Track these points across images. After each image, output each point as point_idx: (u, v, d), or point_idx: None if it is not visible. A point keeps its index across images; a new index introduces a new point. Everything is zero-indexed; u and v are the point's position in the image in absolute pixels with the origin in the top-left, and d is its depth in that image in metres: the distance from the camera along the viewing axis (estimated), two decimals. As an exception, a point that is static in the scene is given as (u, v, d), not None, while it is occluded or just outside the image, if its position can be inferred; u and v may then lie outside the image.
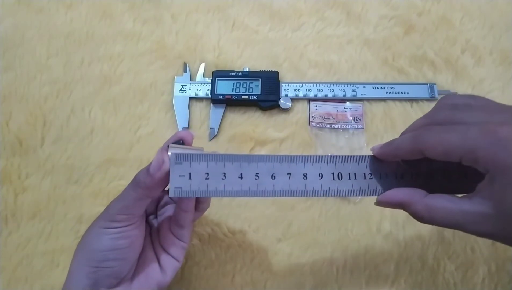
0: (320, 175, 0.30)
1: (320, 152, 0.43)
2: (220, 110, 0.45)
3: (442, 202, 0.25)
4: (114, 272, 0.28)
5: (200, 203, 0.32)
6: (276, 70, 0.46)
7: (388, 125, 0.45)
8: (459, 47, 0.48)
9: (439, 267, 0.39)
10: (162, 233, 0.32)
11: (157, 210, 0.34)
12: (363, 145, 0.44)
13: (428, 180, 0.28)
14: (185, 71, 0.46)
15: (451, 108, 0.26)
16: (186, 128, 0.44)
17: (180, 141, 0.29)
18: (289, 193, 0.29)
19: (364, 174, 0.30)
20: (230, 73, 0.45)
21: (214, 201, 0.42)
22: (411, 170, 0.29)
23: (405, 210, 0.26)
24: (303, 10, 0.50)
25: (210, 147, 0.44)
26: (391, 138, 0.44)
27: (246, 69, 0.45)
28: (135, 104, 0.45)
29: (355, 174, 0.30)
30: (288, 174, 0.29)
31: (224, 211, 0.41)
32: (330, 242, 0.40)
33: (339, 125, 0.45)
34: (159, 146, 0.44)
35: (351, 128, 0.44)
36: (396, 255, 0.40)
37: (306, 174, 0.29)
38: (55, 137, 0.44)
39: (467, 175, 0.27)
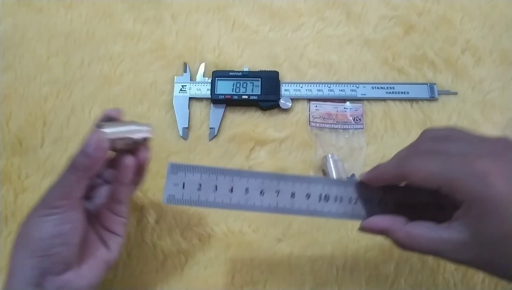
0: (308, 195, 0.31)
1: (320, 152, 0.43)
2: (220, 110, 0.45)
3: (421, 230, 0.26)
4: (62, 258, 0.28)
5: (137, 176, 0.32)
6: (276, 70, 0.46)
7: (388, 125, 0.45)
8: (459, 47, 0.48)
9: (439, 267, 0.39)
10: (101, 213, 0.33)
11: (90, 192, 0.34)
12: (363, 145, 0.44)
13: (410, 207, 0.29)
14: (185, 71, 0.46)
15: (432, 140, 0.27)
16: (186, 128, 0.44)
17: (107, 118, 0.30)
18: (276, 209, 0.30)
19: (350, 198, 0.31)
20: (230, 73, 0.45)
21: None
22: (394, 198, 0.29)
23: (387, 237, 0.28)
24: (303, 10, 0.50)
25: (210, 147, 0.44)
26: (391, 138, 0.45)
27: (246, 69, 0.45)
28: (135, 104, 0.45)
29: (341, 197, 0.31)
30: (276, 191, 0.30)
31: (224, 211, 0.41)
32: (330, 242, 0.40)
33: (339, 125, 0.45)
34: (159, 146, 0.44)
35: (351, 128, 0.44)
36: (396, 255, 0.40)
37: (294, 193, 0.31)
38: (55, 137, 0.44)
39: (446, 204, 0.27)
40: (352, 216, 0.31)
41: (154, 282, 0.39)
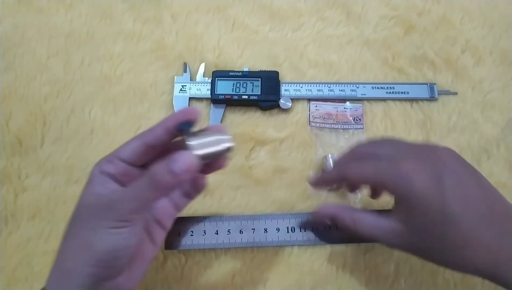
0: (278, 229, 0.39)
1: (320, 152, 0.43)
2: (220, 110, 0.45)
3: (365, 217, 0.31)
4: (121, 266, 0.28)
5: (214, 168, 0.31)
6: (276, 70, 0.46)
7: (388, 125, 0.45)
8: (459, 47, 0.48)
9: (439, 267, 0.39)
10: (161, 208, 0.32)
11: None
12: (363, 145, 0.44)
13: None
14: (185, 71, 0.46)
15: (369, 145, 0.32)
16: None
17: (190, 123, 0.28)
18: (253, 244, 0.38)
19: (312, 227, 0.38)
20: (230, 73, 0.45)
21: (213, 201, 0.42)
22: None
23: (335, 221, 0.33)
24: (303, 10, 0.50)
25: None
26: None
27: (246, 69, 0.45)
28: (135, 104, 0.45)
29: (305, 227, 0.38)
30: (252, 229, 0.38)
31: (224, 211, 0.41)
32: (330, 242, 0.40)
33: (339, 125, 0.45)
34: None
35: (351, 128, 0.44)
36: (396, 255, 0.40)
37: (266, 229, 0.39)
38: (55, 137, 0.44)
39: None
40: (315, 241, 0.38)
41: (154, 282, 0.39)
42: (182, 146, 0.27)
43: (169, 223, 0.33)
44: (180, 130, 0.27)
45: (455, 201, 0.26)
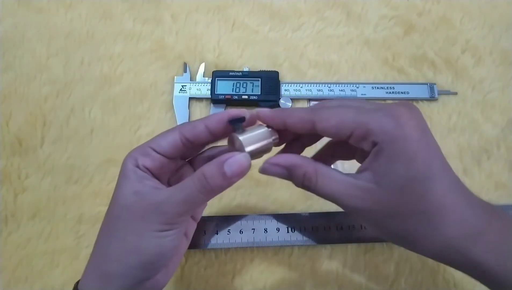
0: (278, 229, 0.39)
1: (320, 152, 0.43)
2: (220, 110, 0.45)
3: (330, 171, 0.26)
4: (164, 265, 0.28)
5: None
6: (276, 70, 0.46)
7: (388, 125, 0.45)
8: (459, 47, 0.48)
9: (439, 267, 0.39)
10: None
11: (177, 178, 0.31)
12: (363, 145, 0.44)
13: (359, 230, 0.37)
14: (185, 71, 0.46)
15: (343, 99, 0.28)
16: (186, 128, 0.44)
17: (241, 119, 0.27)
18: (253, 244, 0.38)
19: (312, 227, 0.39)
20: (230, 73, 0.45)
21: (213, 201, 0.42)
22: (348, 223, 0.38)
23: (292, 175, 0.26)
24: (303, 10, 0.50)
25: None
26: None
27: (246, 69, 0.45)
28: (135, 104, 0.45)
29: (304, 227, 0.39)
30: (252, 229, 0.38)
31: (224, 211, 0.41)
32: (330, 242, 0.40)
33: (339, 125, 0.44)
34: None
35: (351, 128, 0.44)
36: (396, 255, 0.40)
37: (266, 229, 0.39)
38: (55, 137, 0.44)
39: None
40: (316, 241, 0.38)
41: (154, 282, 0.39)
42: (229, 141, 0.27)
43: (200, 214, 0.34)
44: (230, 124, 0.27)
45: (437, 161, 0.24)
